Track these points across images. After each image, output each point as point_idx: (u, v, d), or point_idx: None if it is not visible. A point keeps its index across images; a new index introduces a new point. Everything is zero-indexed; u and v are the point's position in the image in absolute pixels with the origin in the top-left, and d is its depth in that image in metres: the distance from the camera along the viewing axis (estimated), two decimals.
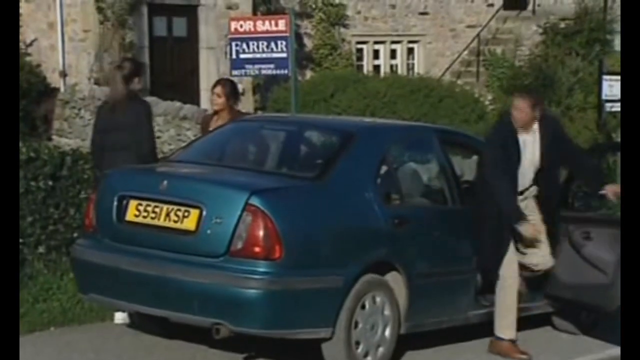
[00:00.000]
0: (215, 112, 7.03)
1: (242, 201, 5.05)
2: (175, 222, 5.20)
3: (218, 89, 7.02)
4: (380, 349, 5.48)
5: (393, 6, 18.07)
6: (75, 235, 6.62)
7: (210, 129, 6.74)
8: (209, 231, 5.09)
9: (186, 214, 5.18)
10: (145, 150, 6.17)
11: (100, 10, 14.02)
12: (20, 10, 12.39)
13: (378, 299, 5.43)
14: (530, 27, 18.85)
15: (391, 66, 18.08)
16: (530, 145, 6.02)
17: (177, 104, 12.72)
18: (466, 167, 6.47)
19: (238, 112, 7.12)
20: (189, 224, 5.16)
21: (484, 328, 6.03)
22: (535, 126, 6.06)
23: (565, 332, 6.66)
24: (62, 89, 13.79)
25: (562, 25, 18.31)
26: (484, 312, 6.00)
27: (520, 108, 5.99)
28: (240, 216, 5.03)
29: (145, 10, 14.64)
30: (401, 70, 17.97)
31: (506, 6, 19.15)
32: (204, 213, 5.12)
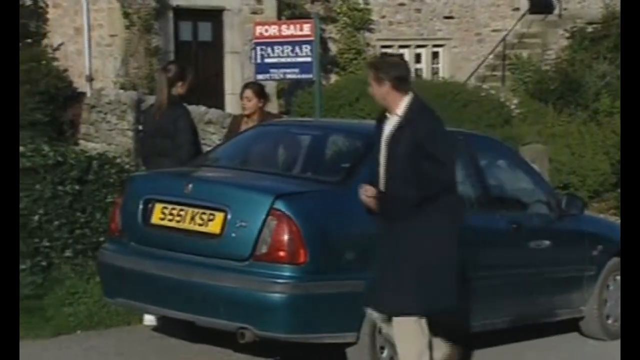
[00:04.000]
0: (247, 115, 7.06)
1: (266, 205, 5.04)
2: (200, 225, 5.21)
3: (247, 93, 7.03)
4: None
5: (418, 10, 18.03)
6: (101, 239, 6.65)
7: (241, 130, 6.77)
8: (233, 235, 5.09)
9: (211, 217, 5.18)
10: (185, 156, 6.12)
11: (126, 15, 14.12)
12: (48, 16, 12.52)
13: None
14: (556, 32, 18.73)
15: (416, 70, 18.05)
16: (386, 129, 4.84)
17: (202, 108, 12.78)
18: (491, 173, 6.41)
19: (268, 113, 7.13)
20: (214, 227, 5.17)
21: (504, 334, 5.99)
22: (399, 110, 4.76)
23: (592, 338, 6.59)
24: (88, 94, 13.90)
25: (590, 29, 18.17)
26: (507, 320, 5.96)
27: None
28: (265, 220, 5.02)
29: (171, 15, 14.73)
30: (426, 75, 17.92)
31: (532, 10, 19.05)
32: (229, 216, 5.12)
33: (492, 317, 5.92)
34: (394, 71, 4.83)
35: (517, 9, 18.95)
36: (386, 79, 4.79)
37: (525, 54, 18.23)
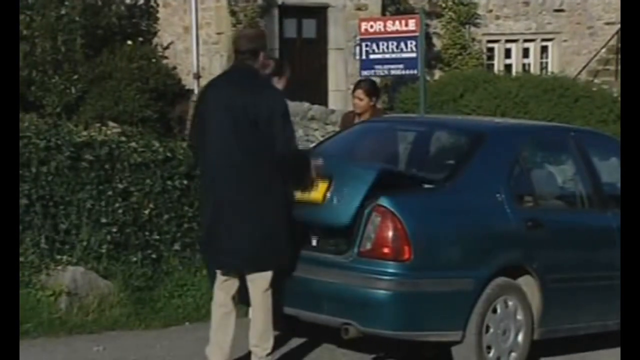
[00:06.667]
0: (358, 113, 7.06)
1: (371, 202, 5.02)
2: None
3: (359, 93, 7.02)
4: (513, 355, 5.35)
5: (526, 3, 17.64)
6: None
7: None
8: (334, 201, 5.05)
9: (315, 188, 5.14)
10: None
11: (233, 13, 14.36)
12: (158, 15, 12.84)
13: (510, 303, 5.31)
14: None
15: (523, 65, 17.66)
16: None
17: (305, 104, 12.86)
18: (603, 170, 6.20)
19: (380, 110, 7.09)
20: (317, 195, 5.11)
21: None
22: None
23: None
24: (195, 91, 14.20)
25: None
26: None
27: None
28: (369, 216, 5.00)
29: (276, 12, 14.89)
30: (534, 70, 17.53)
31: None
32: (332, 186, 5.07)
33: (606, 318, 5.76)
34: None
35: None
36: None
37: None
